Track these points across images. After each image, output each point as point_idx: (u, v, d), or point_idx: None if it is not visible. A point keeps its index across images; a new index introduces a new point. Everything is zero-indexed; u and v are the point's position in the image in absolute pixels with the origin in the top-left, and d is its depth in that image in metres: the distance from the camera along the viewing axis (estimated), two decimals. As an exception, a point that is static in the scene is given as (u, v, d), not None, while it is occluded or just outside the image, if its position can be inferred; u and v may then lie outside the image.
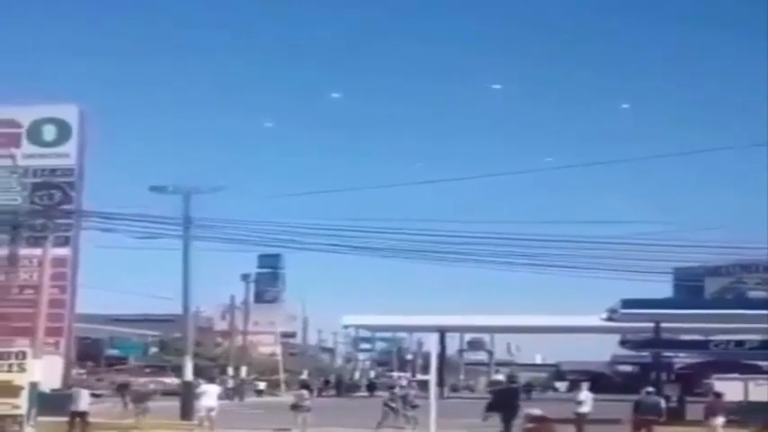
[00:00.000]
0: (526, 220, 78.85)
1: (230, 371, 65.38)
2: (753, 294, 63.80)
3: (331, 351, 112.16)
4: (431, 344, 41.38)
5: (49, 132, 43.26)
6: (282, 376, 74.82)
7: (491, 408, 26.78)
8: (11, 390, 25.42)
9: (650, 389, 29.01)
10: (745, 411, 33.75)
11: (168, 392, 46.21)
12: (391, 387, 36.70)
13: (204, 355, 69.05)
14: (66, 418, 28.66)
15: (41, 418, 28.53)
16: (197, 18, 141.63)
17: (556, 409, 27.51)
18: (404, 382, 49.61)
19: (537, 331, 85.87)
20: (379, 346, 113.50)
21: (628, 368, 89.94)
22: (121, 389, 42.74)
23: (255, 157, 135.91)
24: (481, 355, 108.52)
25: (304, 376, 70.63)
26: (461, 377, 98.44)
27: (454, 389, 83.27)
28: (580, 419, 29.55)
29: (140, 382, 51.99)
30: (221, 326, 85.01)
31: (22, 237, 34.32)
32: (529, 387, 44.68)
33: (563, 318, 74.66)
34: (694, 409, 33.81)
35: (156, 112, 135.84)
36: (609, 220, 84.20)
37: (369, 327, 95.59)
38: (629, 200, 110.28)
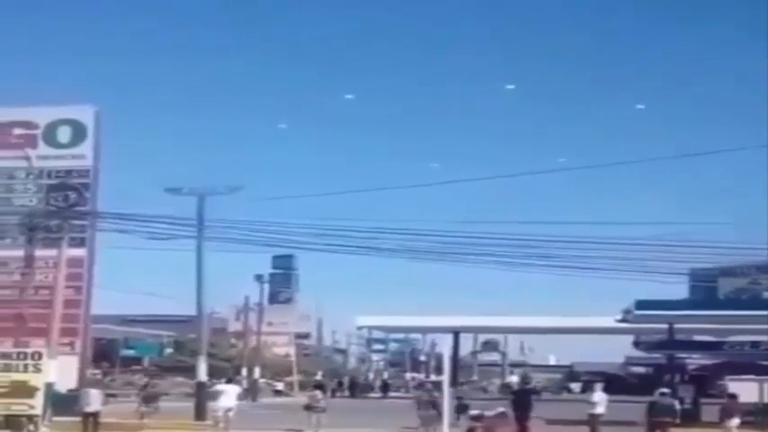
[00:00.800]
0: (540, 220, 78.88)
1: (244, 371, 65.52)
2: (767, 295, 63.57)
3: (344, 352, 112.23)
4: (444, 345, 41.26)
5: (65, 134, 43.39)
6: (296, 377, 74.89)
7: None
8: (26, 390, 25.61)
9: (664, 390, 28.94)
10: (760, 413, 33.65)
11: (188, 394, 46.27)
12: (420, 385, 36.03)
13: (218, 355, 69.30)
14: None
15: (57, 418, 28.75)
16: (204, 18, 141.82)
17: (568, 410, 27.65)
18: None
19: (551, 332, 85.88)
20: (393, 347, 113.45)
21: (641, 369, 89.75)
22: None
23: (268, 157, 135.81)
24: (495, 356, 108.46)
25: (318, 377, 70.76)
26: (475, 378, 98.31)
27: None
28: (594, 421, 29.49)
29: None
30: (235, 327, 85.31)
31: (37, 238, 34.40)
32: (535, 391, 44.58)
33: (577, 319, 74.61)
34: (709, 411, 33.73)
35: (164, 113, 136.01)
36: (623, 222, 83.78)
37: (382, 328, 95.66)
38: (644, 201, 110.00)
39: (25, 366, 25.72)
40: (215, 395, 32.33)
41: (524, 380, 54.14)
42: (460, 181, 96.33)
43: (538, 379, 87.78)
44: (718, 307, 49.32)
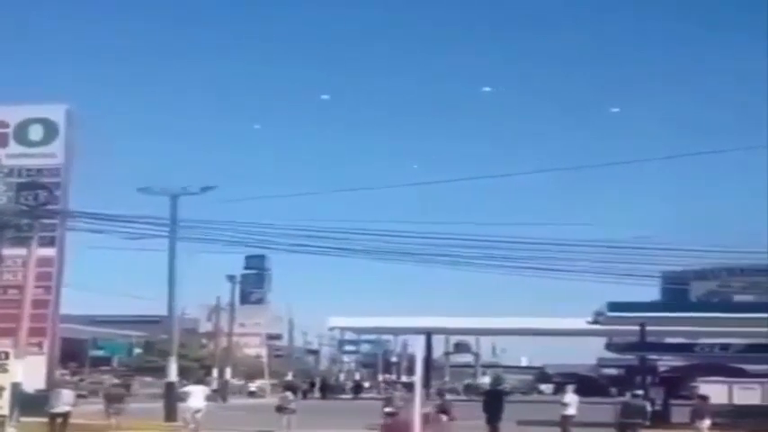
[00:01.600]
0: (513, 222, 78.87)
1: (215, 372, 65.18)
2: (738, 298, 63.95)
3: (316, 353, 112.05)
4: (417, 346, 41.19)
5: (36, 132, 42.95)
6: (267, 379, 74.62)
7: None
8: (-7, 390, 25.23)
9: (637, 392, 29.00)
10: (730, 414, 33.79)
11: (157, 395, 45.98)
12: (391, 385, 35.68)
13: (189, 356, 68.88)
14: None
15: (24, 419, 28.40)
16: (186, 18, 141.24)
17: (537, 410, 27.60)
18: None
19: (523, 334, 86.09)
20: (365, 348, 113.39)
21: (613, 371, 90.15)
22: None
23: (241, 158, 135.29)
24: (467, 358, 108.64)
25: (289, 378, 70.55)
26: (446, 379, 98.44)
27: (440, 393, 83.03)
28: (565, 422, 29.51)
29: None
30: (206, 327, 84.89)
31: (6, 237, 34.01)
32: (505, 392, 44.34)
33: (549, 320, 74.80)
34: (679, 412, 33.86)
35: (143, 113, 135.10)
36: (595, 224, 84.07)
37: (354, 329, 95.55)
38: (616, 203, 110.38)
39: (-8, 366, 25.37)
40: (184, 396, 32.10)
41: (496, 381, 54.33)
42: (431, 183, 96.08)
43: (509, 380, 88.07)
44: (690, 309, 49.56)
